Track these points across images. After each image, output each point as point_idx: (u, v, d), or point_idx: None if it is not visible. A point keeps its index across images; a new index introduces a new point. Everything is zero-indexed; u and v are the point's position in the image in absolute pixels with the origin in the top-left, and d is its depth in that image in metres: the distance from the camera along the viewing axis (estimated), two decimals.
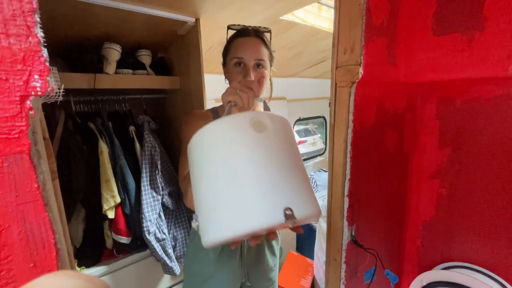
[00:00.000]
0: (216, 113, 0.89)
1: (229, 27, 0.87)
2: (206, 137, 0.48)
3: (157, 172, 1.15)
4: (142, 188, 1.10)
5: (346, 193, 0.69)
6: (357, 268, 0.77)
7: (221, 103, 0.96)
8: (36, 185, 0.20)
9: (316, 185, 2.35)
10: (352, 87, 0.64)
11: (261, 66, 0.79)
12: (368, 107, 0.71)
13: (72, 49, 1.09)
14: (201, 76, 1.15)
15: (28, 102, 0.20)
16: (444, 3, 0.69)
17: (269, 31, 0.87)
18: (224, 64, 0.86)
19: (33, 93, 0.21)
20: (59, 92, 0.21)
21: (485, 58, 0.65)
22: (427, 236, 1.02)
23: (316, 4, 1.31)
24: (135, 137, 1.17)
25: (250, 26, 0.83)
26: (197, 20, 1.09)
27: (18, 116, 0.20)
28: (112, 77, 1.10)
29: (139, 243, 1.15)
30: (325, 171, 2.59)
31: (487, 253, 0.89)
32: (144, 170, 1.12)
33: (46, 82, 0.21)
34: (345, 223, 0.71)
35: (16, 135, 0.20)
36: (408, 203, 1.04)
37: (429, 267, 1.01)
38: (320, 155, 3.18)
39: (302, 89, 2.52)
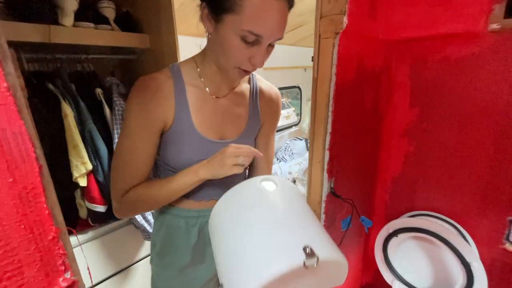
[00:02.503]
0: (178, 77, 0.64)
1: None
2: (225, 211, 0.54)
3: None
4: None
5: (327, 146, 0.72)
6: (335, 218, 0.82)
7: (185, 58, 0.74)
8: (5, 85, 0.17)
9: (292, 153, 2.41)
10: (336, 38, 0.63)
11: (272, 44, 0.57)
12: (350, 61, 0.71)
13: None
14: (174, 35, 1.07)
15: None
16: None
17: None
18: (216, 15, 0.54)
19: None
20: None
21: (460, 12, 0.68)
22: (395, 190, 1.12)
23: None
24: (103, 100, 1.07)
25: None
26: None
27: None
28: (70, 30, 0.97)
29: None
30: (300, 139, 2.66)
31: (444, 202, 1.00)
32: (115, 135, 1.06)
33: None
34: (325, 175, 0.75)
35: None
36: (379, 159, 1.11)
37: (395, 218, 1.12)
38: (295, 125, 3.24)
39: (278, 57, 2.47)
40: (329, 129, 0.70)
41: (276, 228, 0.46)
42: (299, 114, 3.62)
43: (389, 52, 0.92)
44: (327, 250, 0.44)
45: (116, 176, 0.63)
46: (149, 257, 0.81)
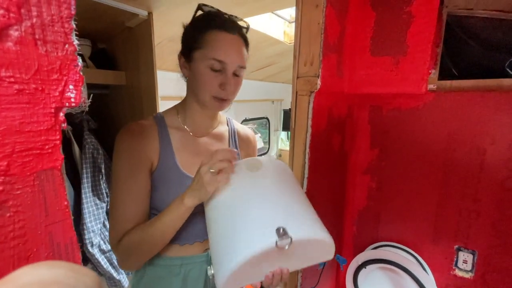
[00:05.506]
0: (161, 122, 0.70)
1: (201, 8, 0.68)
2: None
3: (100, 177, 1.04)
4: (83, 196, 0.98)
5: (304, 190, 0.78)
6: None
7: (170, 103, 0.80)
8: (65, 203, 0.18)
9: None
10: (311, 96, 0.72)
11: (238, 74, 0.67)
12: (322, 113, 0.81)
13: None
14: (153, 72, 1.09)
15: (61, 114, 0.18)
16: (379, 30, 0.84)
17: (247, 28, 0.72)
18: (188, 57, 0.66)
19: (67, 104, 0.18)
20: (88, 103, 0.19)
21: (407, 77, 0.83)
22: (360, 222, 1.21)
23: (268, 13, 1.39)
24: (72, 137, 1.02)
25: (227, 15, 0.67)
26: (150, 13, 1.02)
27: (52, 130, 0.17)
28: None
29: None
30: None
31: (403, 233, 1.11)
32: (85, 176, 1.00)
33: (80, 93, 0.19)
34: None
35: (50, 150, 0.17)
36: (346, 195, 1.21)
37: (362, 249, 1.20)
38: (263, 154, 3.33)
39: (248, 91, 2.61)
40: (306, 174, 0.77)
41: (251, 209, 0.47)
42: (268, 143, 3.75)
43: (351, 102, 1.05)
44: (304, 230, 0.44)
45: (112, 223, 0.62)
46: None
